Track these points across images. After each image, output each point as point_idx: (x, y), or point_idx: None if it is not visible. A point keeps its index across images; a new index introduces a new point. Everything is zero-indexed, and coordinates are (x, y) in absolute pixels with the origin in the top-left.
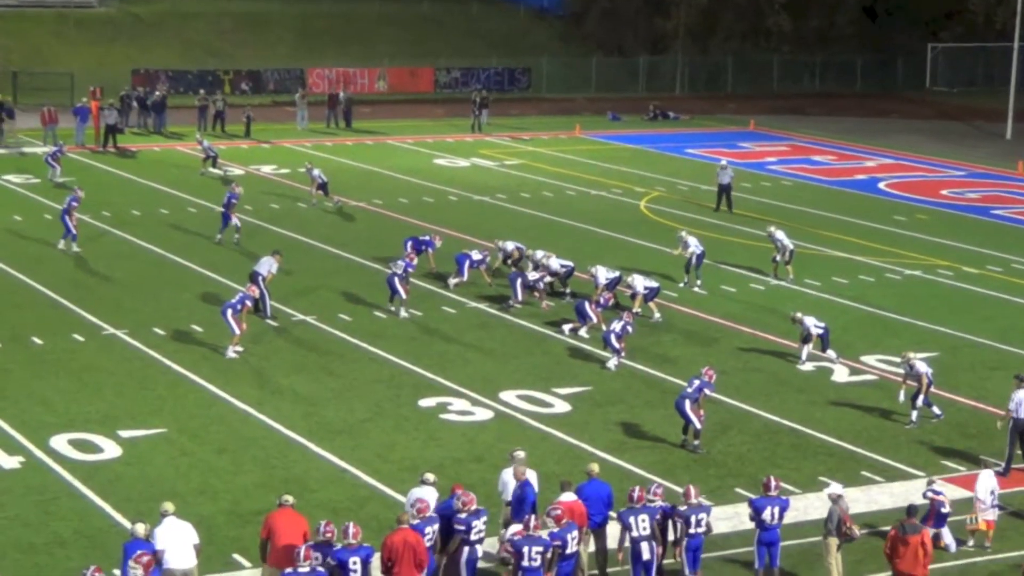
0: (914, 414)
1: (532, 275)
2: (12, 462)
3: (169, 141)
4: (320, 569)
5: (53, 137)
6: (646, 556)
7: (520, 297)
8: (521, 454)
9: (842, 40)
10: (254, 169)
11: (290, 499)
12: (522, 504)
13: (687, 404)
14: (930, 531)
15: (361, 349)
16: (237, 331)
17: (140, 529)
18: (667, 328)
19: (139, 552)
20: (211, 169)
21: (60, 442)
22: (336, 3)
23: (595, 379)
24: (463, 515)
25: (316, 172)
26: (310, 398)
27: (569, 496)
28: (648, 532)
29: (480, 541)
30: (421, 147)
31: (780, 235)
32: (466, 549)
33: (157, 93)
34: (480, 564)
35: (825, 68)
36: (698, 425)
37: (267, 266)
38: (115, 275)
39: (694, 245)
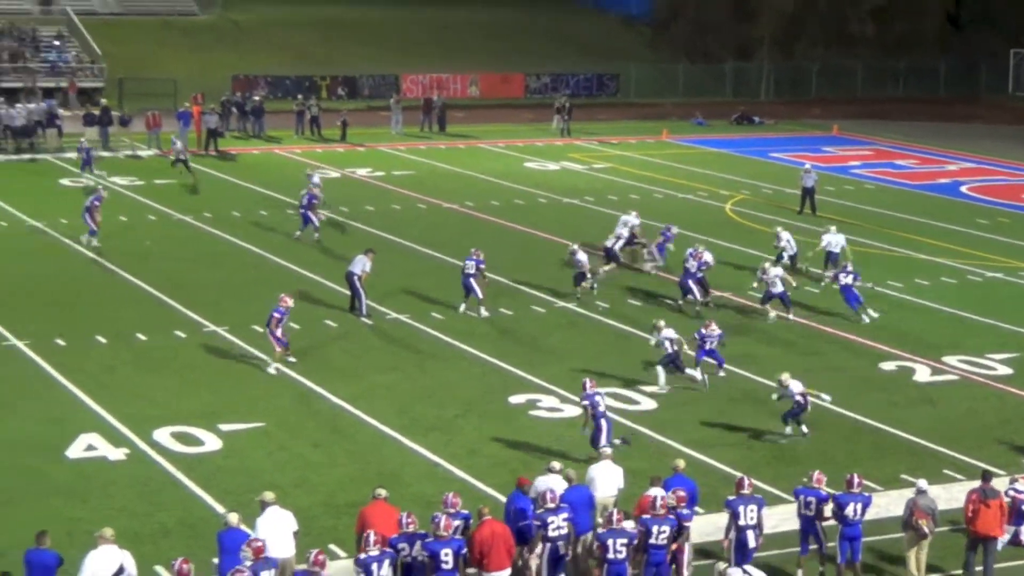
0: (787, 429)
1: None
2: (118, 454)
3: (268, 144)
4: (387, 550)
5: (157, 141)
6: (752, 544)
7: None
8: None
9: (925, 46)
10: (350, 172)
11: (383, 492)
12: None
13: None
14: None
15: (453, 347)
16: (278, 347)
17: (233, 518)
18: (750, 328)
19: (252, 538)
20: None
21: (163, 435)
22: (430, 11)
23: (680, 378)
24: (541, 511)
25: (316, 179)
26: (403, 394)
27: (657, 491)
28: (755, 521)
29: (560, 538)
30: (512, 151)
31: (786, 236)
32: (547, 546)
33: (256, 98)
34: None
35: (908, 74)
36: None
37: (361, 265)
38: (216, 274)
39: (786, 241)
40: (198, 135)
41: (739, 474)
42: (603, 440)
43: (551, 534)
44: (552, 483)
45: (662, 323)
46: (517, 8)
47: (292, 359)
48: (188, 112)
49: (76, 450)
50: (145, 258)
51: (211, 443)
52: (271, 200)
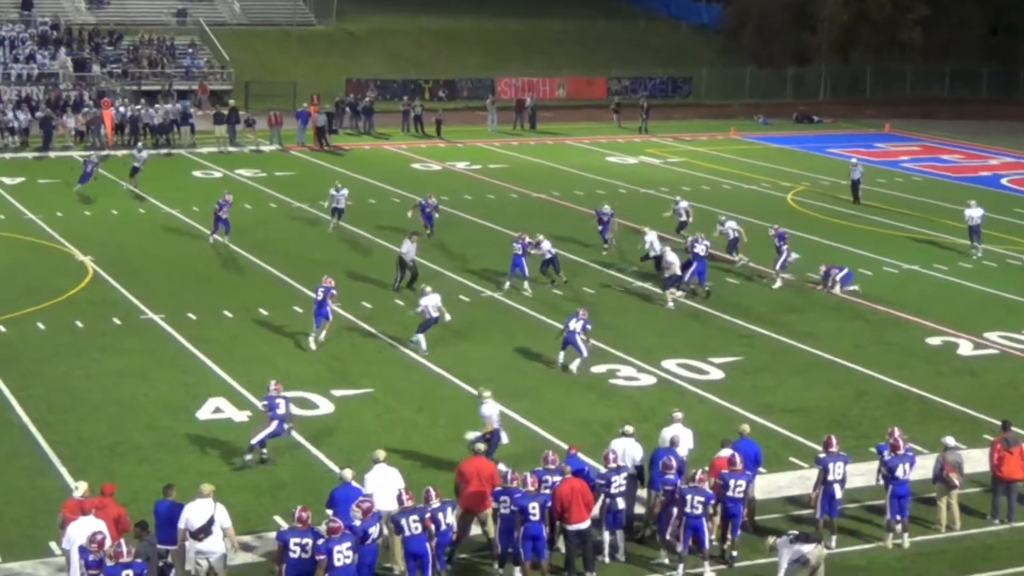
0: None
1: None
2: (242, 416)
3: (377, 141)
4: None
5: (279, 137)
6: (838, 495)
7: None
8: (679, 415)
9: (969, 52)
10: (450, 165)
11: (482, 447)
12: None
13: (576, 337)
14: None
15: (540, 321)
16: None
17: (348, 474)
18: (811, 304)
19: (362, 498)
20: (130, 186)
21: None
22: (521, 21)
23: (746, 350)
24: (604, 471)
25: (343, 192)
26: (495, 363)
27: (727, 452)
28: (841, 476)
29: (621, 495)
30: (595, 146)
31: (650, 238)
32: (607, 501)
33: (367, 99)
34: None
35: (954, 77)
36: (584, 353)
37: (406, 248)
38: (330, 256)
39: (649, 244)
40: (314, 132)
41: (799, 438)
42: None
43: (612, 491)
44: (626, 445)
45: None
46: (600, 19)
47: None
48: (306, 112)
49: (205, 412)
50: (266, 241)
51: (324, 407)
52: (378, 190)
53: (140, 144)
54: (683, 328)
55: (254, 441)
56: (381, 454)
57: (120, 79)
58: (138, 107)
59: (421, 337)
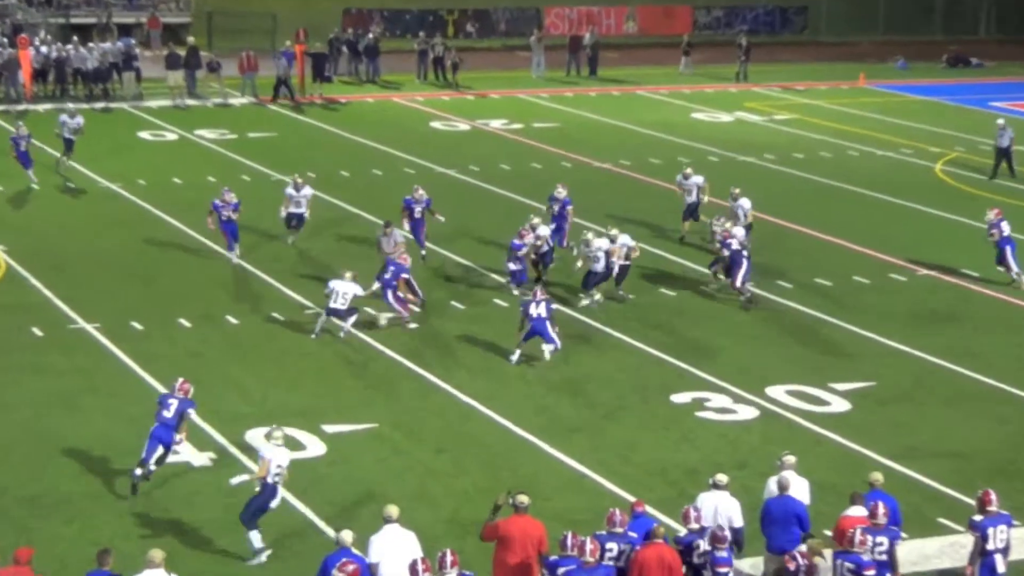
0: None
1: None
2: (203, 459)
3: (384, 91)
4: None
5: (252, 87)
6: (1001, 570)
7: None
8: (792, 459)
9: None
10: (481, 124)
11: (525, 500)
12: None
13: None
14: None
15: (603, 334)
16: (405, 312)
17: (347, 537)
18: (969, 311)
19: (344, 560)
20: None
21: (257, 437)
22: None
23: (880, 372)
24: (682, 533)
25: (305, 193)
26: (543, 390)
27: (859, 511)
28: (1005, 544)
29: (703, 566)
30: (676, 99)
31: (744, 203)
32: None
33: (370, 36)
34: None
35: None
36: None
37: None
38: (320, 244)
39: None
40: (301, 79)
41: (951, 491)
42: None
43: (695, 560)
44: (718, 501)
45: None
46: None
47: (412, 325)
48: (290, 52)
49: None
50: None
51: (313, 447)
52: (387, 157)
53: (69, 96)
54: (795, 343)
55: (144, 456)
56: (394, 511)
57: (42, 9)
58: (67, 47)
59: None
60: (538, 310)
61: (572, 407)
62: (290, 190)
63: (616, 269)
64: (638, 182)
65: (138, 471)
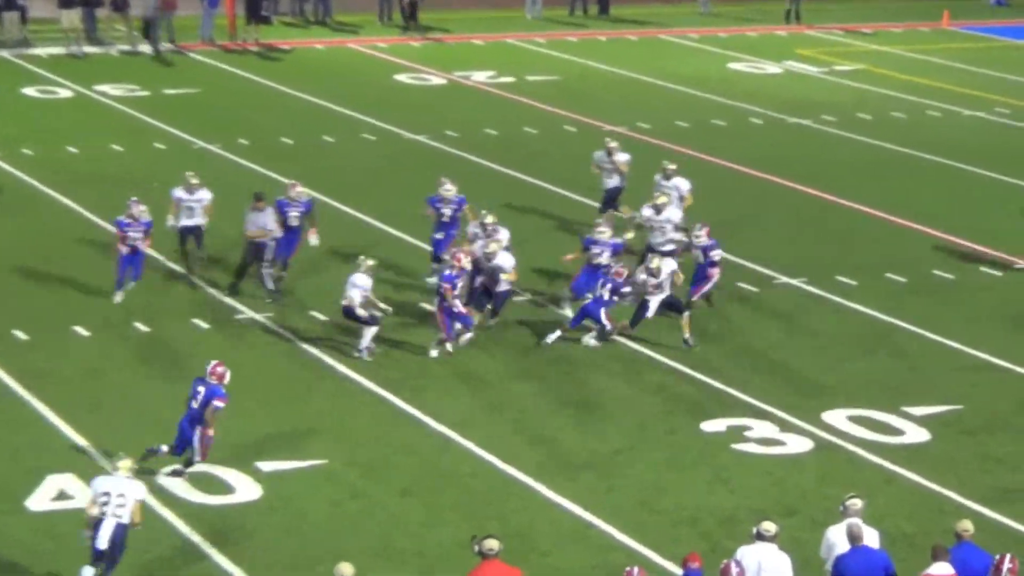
0: None
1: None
2: (93, 509)
3: (337, 35)
4: None
5: (170, 29)
6: None
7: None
8: (858, 504)
9: None
10: (461, 77)
11: (495, 545)
12: None
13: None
14: None
15: (617, 344)
16: (471, 321)
17: None
18: None
19: None
20: None
21: (175, 480)
22: None
23: (969, 392)
24: None
25: (202, 197)
26: (540, 415)
27: (944, 569)
28: None
29: None
30: (708, 44)
31: (680, 183)
32: None
33: None
34: None
35: None
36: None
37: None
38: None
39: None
40: (231, 20)
41: None
42: None
43: None
44: (763, 555)
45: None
46: None
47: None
48: None
49: (41, 499)
50: (151, 210)
51: (244, 490)
52: (340, 119)
53: None
54: (859, 356)
55: None
56: (348, 572)
57: None
58: None
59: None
60: (602, 291)
61: (577, 438)
62: (180, 192)
63: (653, 307)
64: (661, 150)
65: (163, 448)
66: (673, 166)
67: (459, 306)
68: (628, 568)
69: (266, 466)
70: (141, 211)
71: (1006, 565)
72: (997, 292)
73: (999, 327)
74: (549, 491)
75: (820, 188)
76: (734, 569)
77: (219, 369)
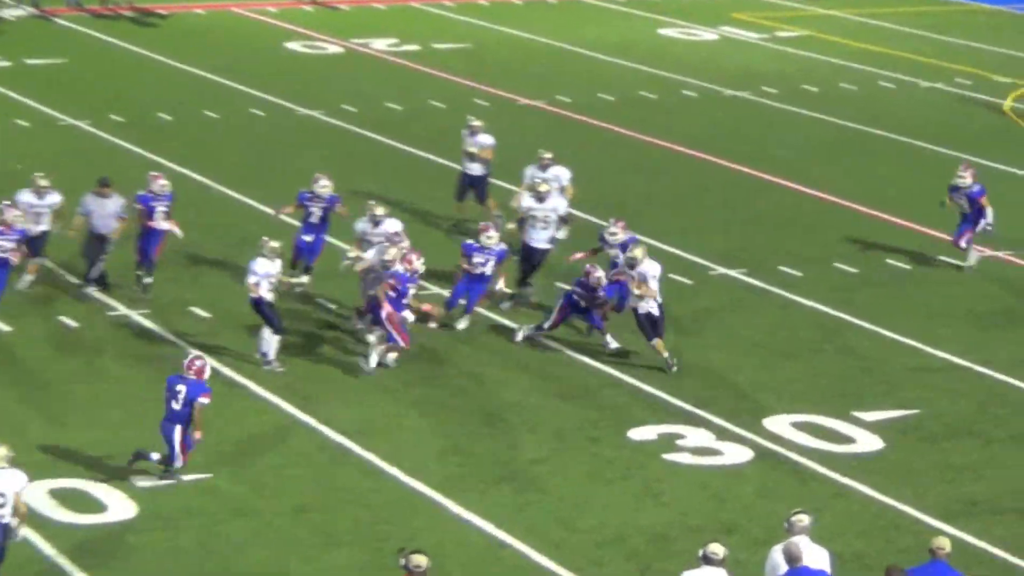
0: None
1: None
2: None
3: None
4: None
5: None
6: None
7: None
8: (805, 520)
9: None
10: (359, 44)
11: (423, 561)
12: None
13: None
14: None
15: (537, 345)
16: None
17: None
18: None
19: None
20: None
21: (38, 494)
22: None
23: (927, 396)
24: None
25: (49, 201)
26: (450, 423)
27: None
28: None
29: None
30: (636, 8)
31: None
32: None
33: None
34: None
35: None
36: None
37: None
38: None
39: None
40: None
41: (1016, 559)
42: None
43: None
44: None
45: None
46: None
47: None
48: None
49: None
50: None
51: (117, 508)
52: (224, 92)
53: None
54: (806, 356)
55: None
56: None
57: None
58: None
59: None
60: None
61: (489, 448)
62: (28, 196)
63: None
64: (583, 127)
65: (154, 455)
66: (549, 155)
67: (403, 321)
68: None
69: (142, 481)
70: (15, 216)
71: None
72: (958, 284)
73: (960, 323)
74: (458, 507)
75: (761, 169)
76: None
77: (197, 363)
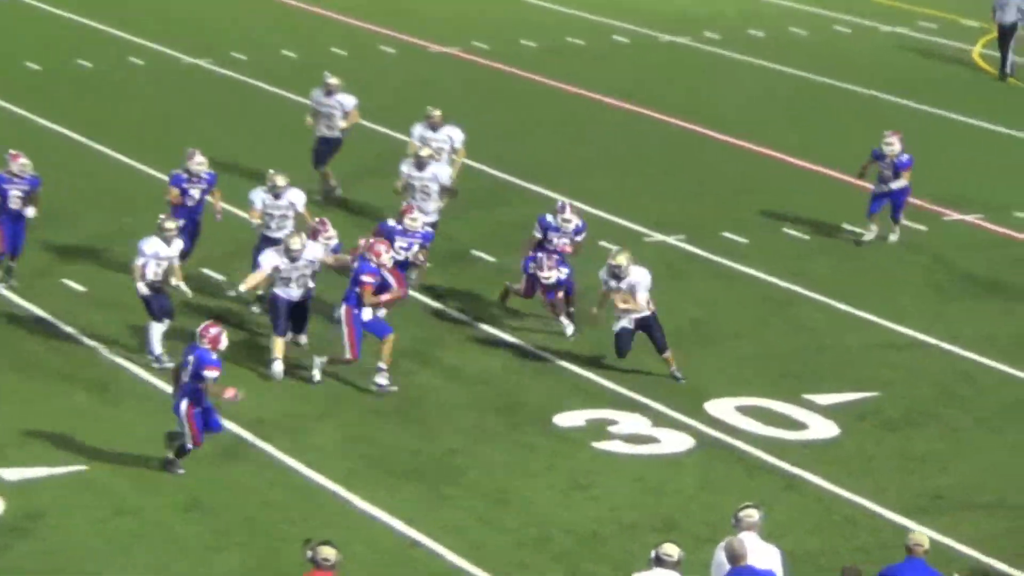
0: None
1: None
2: None
3: None
4: None
5: None
6: None
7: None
8: (754, 515)
9: None
10: None
11: (331, 554)
12: None
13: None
14: None
15: (455, 322)
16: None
17: None
18: None
19: None
20: None
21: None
22: None
23: (887, 376)
24: None
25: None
26: (356, 410)
27: None
28: None
29: None
30: None
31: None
32: None
33: None
34: None
35: None
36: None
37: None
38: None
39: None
40: None
41: (994, 561)
42: None
43: None
44: None
45: None
46: None
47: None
48: None
49: None
50: None
51: None
52: (101, 38)
53: None
54: (752, 332)
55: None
56: None
57: None
58: None
59: None
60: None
61: (401, 438)
62: None
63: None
64: (504, 77)
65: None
66: (439, 112)
67: (372, 314)
68: None
69: (10, 474)
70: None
71: None
72: (922, 252)
73: (923, 295)
74: (365, 503)
75: (702, 123)
76: None
77: (212, 331)
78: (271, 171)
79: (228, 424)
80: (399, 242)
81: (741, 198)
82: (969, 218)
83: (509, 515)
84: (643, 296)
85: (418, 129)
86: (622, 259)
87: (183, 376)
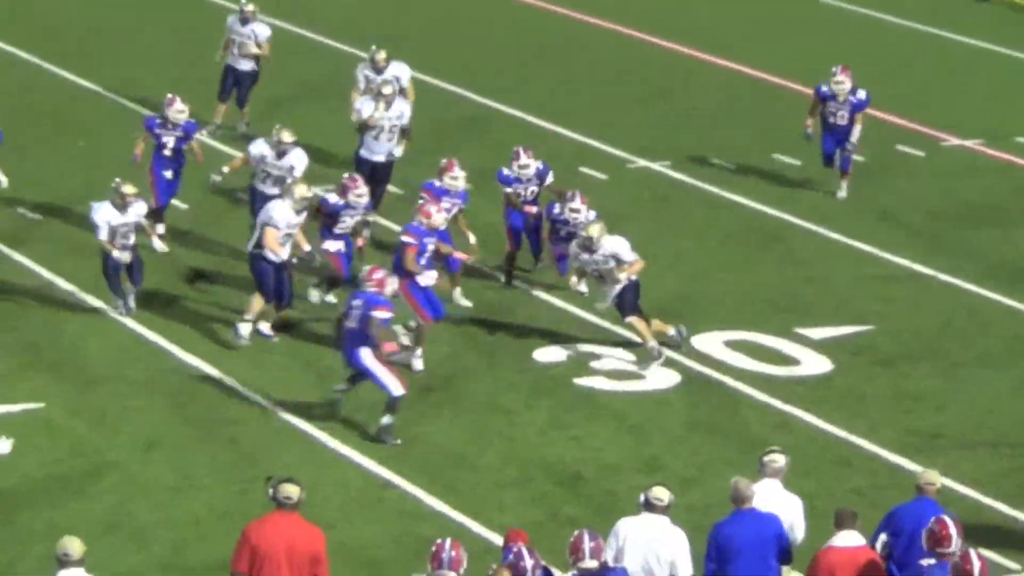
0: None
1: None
2: None
3: None
4: None
5: None
6: None
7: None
8: (779, 461)
9: None
10: None
11: (294, 492)
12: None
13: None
14: None
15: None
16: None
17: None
18: None
19: None
20: None
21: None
22: None
23: (881, 309)
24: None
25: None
26: (324, 347)
27: (852, 539)
28: None
29: None
30: None
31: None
32: None
33: None
34: None
35: None
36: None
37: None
38: None
39: None
40: None
41: (994, 503)
42: None
43: None
44: (651, 532)
45: None
46: None
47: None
48: None
49: None
50: None
51: None
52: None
53: None
54: (740, 263)
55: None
56: (74, 548)
57: None
58: None
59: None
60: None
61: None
62: None
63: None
64: None
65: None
66: (383, 54)
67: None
68: (438, 541)
69: None
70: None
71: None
72: (919, 179)
73: (921, 224)
74: (335, 442)
75: (690, 44)
76: (587, 543)
77: (377, 275)
78: (277, 125)
79: (188, 357)
80: (345, 217)
81: (728, 122)
82: (969, 143)
83: (485, 455)
84: (631, 256)
85: (363, 70)
86: (594, 230)
87: (348, 323)
